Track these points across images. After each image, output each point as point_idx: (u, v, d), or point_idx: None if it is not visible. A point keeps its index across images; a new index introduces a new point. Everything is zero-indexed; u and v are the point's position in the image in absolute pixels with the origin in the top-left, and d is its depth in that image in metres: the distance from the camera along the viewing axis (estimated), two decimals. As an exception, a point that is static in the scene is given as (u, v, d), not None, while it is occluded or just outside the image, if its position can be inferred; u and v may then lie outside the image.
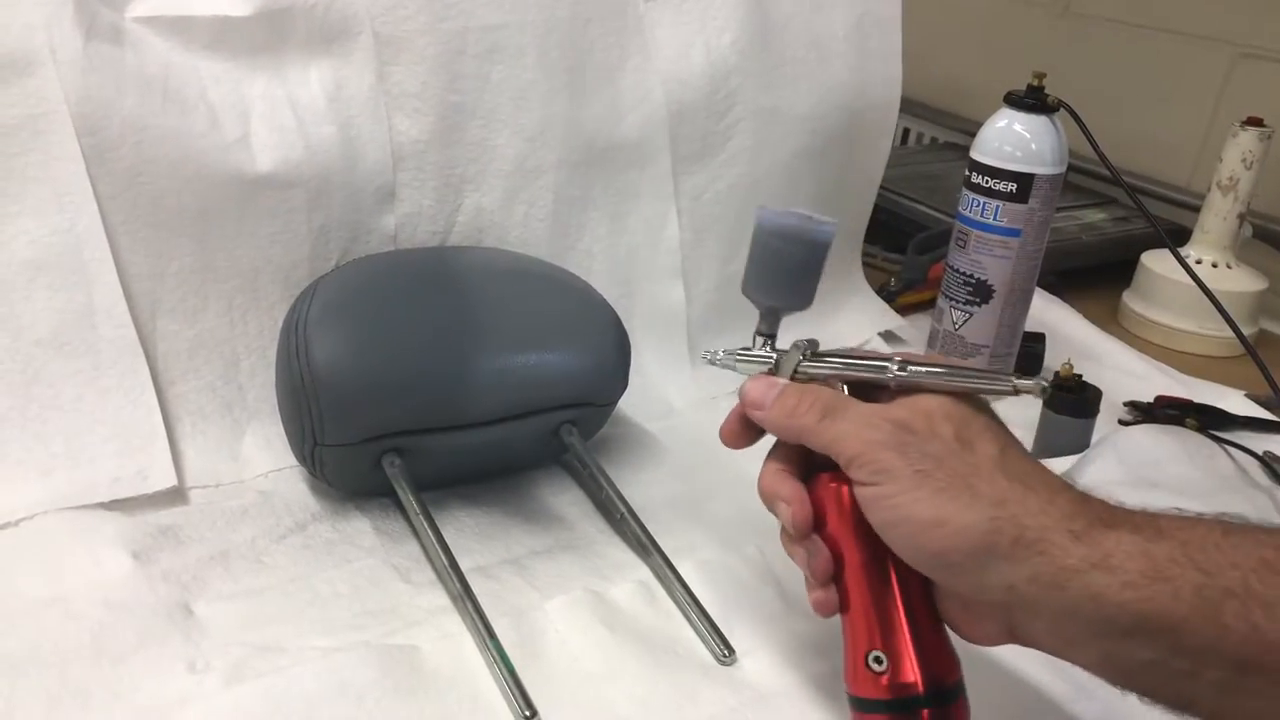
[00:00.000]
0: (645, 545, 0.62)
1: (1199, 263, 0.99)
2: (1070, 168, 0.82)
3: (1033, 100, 0.80)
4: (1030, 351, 0.90)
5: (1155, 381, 0.90)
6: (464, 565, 0.58)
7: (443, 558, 0.58)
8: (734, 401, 0.51)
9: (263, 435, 0.69)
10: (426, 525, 0.60)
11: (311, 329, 0.61)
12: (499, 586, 0.59)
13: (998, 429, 0.44)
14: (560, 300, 0.68)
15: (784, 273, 0.51)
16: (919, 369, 0.45)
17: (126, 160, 0.63)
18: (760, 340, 0.51)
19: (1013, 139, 0.80)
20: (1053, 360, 0.89)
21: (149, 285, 0.65)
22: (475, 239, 0.76)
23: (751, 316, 0.88)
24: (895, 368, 0.45)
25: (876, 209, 0.97)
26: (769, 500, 0.48)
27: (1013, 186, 0.80)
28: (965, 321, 0.85)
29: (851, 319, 0.94)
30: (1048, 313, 0.99)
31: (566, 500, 0.69)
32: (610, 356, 0.67)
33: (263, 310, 0.69)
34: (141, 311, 0.65)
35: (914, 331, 0.95)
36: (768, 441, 0.51)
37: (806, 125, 0.85)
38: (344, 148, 0.69)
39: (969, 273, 0.84)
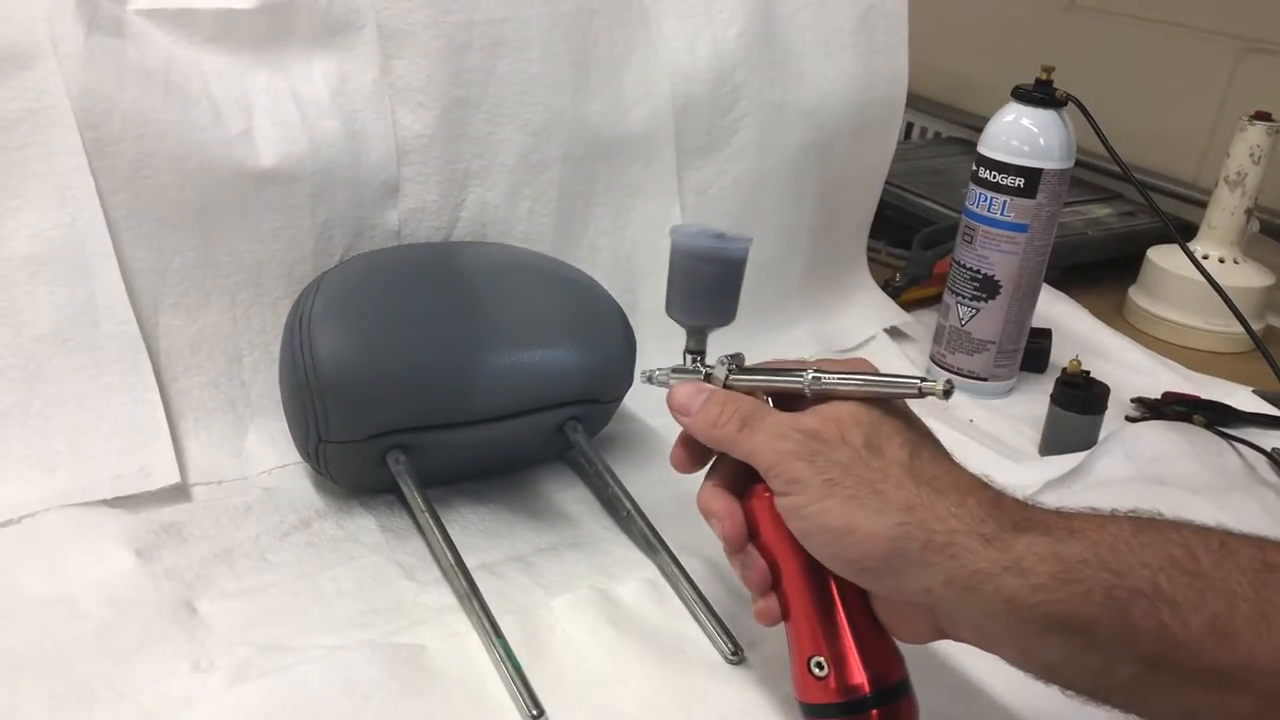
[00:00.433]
0: (652, 543, 0.61)
1: (1205, 258, 0.98)
2: (1075, 162, 0.81)
3: (1041, 94, 0.80)
4: (1036, 347, 0.90)
5: (1162, 378, 0.90)
6: (470, 563, 0.58)
7: (448, 555, 0.58)
8: None
9: (266, 432, 0.68)
10: (432, 522, 0.59)
11: (315, 325, 0.61)
12: (505, 584, 0.59)
13: (909, 432, 0.45)
14: (565, 296, 0.68)
15: (701, 292, 0.52)
16: (830, 377, 0.46)
17: (128, 154, 0.62)
18: (690, 358, 0.53)
19: (1020, 133, 0.80)
20: (1059, 356, 0.89)
21: (151, 280, 0.65)
22: (479, 234, 0.75)
23: (759, 318, 0.89)
24: (809, 377, 0.46)
25: (881, 204, 0.97)
26: (705, 516, 0.49)
27: (1020, 181, 0.80)
28: (972, 317, 0.85)
29: (857, 314, 0.94)
30: (1054, 308, 0.99)
31: (572, 497, 0.68)
32: (615, 352, 0.67)
33: (266, 306, 0.69)
34: (144, 307, 0.65)
35: (920, 327, 0.95)
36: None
37: (812, 119, 0.85)
38: (348, 142, 0.69)
39: (975, 268, 0.83)
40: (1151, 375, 0.91)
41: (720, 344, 0.85)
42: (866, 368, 0.47)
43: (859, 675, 0.45)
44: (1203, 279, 0.88)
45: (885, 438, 0.44)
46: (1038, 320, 0.88)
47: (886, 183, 0.95)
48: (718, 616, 0.56)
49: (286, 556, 0.60)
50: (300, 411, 0.61)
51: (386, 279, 0.66)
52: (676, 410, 0.50)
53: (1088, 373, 0.78)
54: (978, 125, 0.83)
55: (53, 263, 0.62)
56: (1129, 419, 0.83)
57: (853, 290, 0.96)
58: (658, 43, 0.79)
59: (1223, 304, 0.87)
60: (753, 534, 0.48)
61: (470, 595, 0.55)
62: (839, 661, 0.45)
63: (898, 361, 0.90)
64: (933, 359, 0.89)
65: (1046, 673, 0.40)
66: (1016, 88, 0.81)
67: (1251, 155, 0.96)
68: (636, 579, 0.60)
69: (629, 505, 0.64)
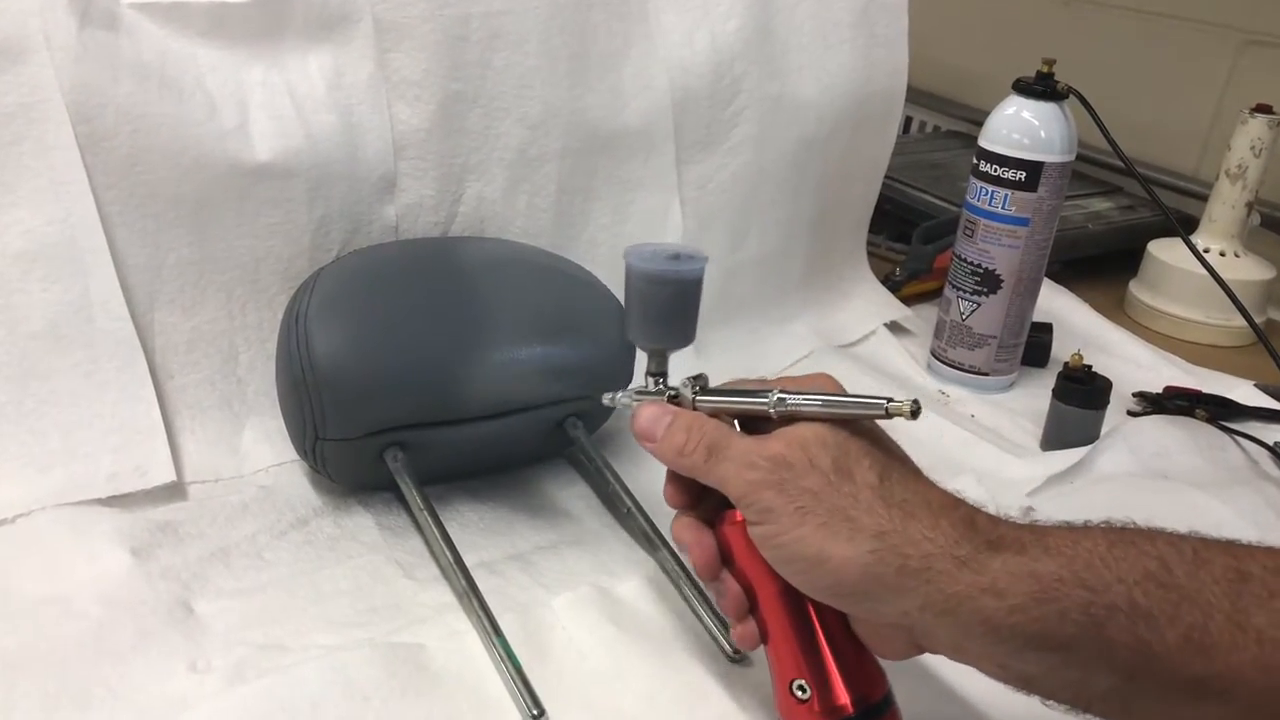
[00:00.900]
0: (653, 540, 0.61)
1: (1207, 251, 0.98)
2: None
3: (1042, 87, 0.79)
4: (1038, 342, 0.89)
5: (1163, 372, 0.90)
6: (469, 561, 0.57)
7: (447, 553, 0.57)
8: None
9: (263, 429, 0.68)
10: (430, 520, 0.59)
11: (312, 321, 0.60)
12: (505, 583, 0.58)
13: (877, 453, 0.44)
14: (564, 291, 0.67)
15: (660, 315, 0.50)
16: (796, 398, 0.45)
17: (122, 149, 0.62)
18: (653, 381, 0.52)
19: (1021, 126, 0.79)
20: (1060, 351, 0.88)
21: (146, 277, 0.64)
22: (477, 229, 0.75)
23: (758, 312, 0.88)
24: (774, 398, 0.45)
25: (880, 198, 0.96)
26: (678, 547, 0.49)
27: (1021, 175, 0.79)
28: (973, 312, 0.84)
29: (857, 309, 0.94)
30: (1054, 303, 0.99)
31: (572, 495, 0.68)
32: (615, 348, 0.66)
33: (262, 302, 0.68)
34: (139, 304, 0.64)
35: (920, 322, 0.95)
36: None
37: (812, 112, 0.84)
38: (344, 137, 0.68)
39: (976, 262, 0.83)
40: (1153, 369, 0.90)
41: (721, 340, 0.85)
42: (831, 386, 0.47)
43: (842, 696, 0.44)
44: (1204, 272, 0.87)
45: (854, 460, 0.43)
46: (1038, 315, 0.87)
47: (886, 177, 0.95)
48: (719, 614, 0.56)
49: (284, 555, 0.59)
50: (297, 409, 0.61)
51: (384, 275, 0.66)
52: (641, 435, 0.49)
53: (1089, 367, 0.77)
54: (976, 119, 0.83)
55: (46, 259, 0.61)
56: (1131, 413, 0.83)
57: (853, 285, 0.95)
58: (656, 36, 0.78)
59: (1223, 298, 0.87)
60: (727, 559, 0.48)
61: (469, 594, 0.55)
62: (821, 684, 0.45)
63: (899, 357, 0.89)
64: (933, 354, 0.89)
65: (1025, 685, 0.40)
66: (1017, 80, 0.80)
67: (1252, 148, 0.96)
68: (637, 577, 0.59)
69: (629, 502, 0.63)
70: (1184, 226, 0.93)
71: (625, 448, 0.72)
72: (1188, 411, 0.80)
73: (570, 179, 0.77)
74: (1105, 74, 0.98)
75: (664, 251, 0.50)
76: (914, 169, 1.19)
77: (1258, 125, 0.96)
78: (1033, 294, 0.84)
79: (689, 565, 0.48)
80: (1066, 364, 0.78)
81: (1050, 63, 0.80)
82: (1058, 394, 0.77)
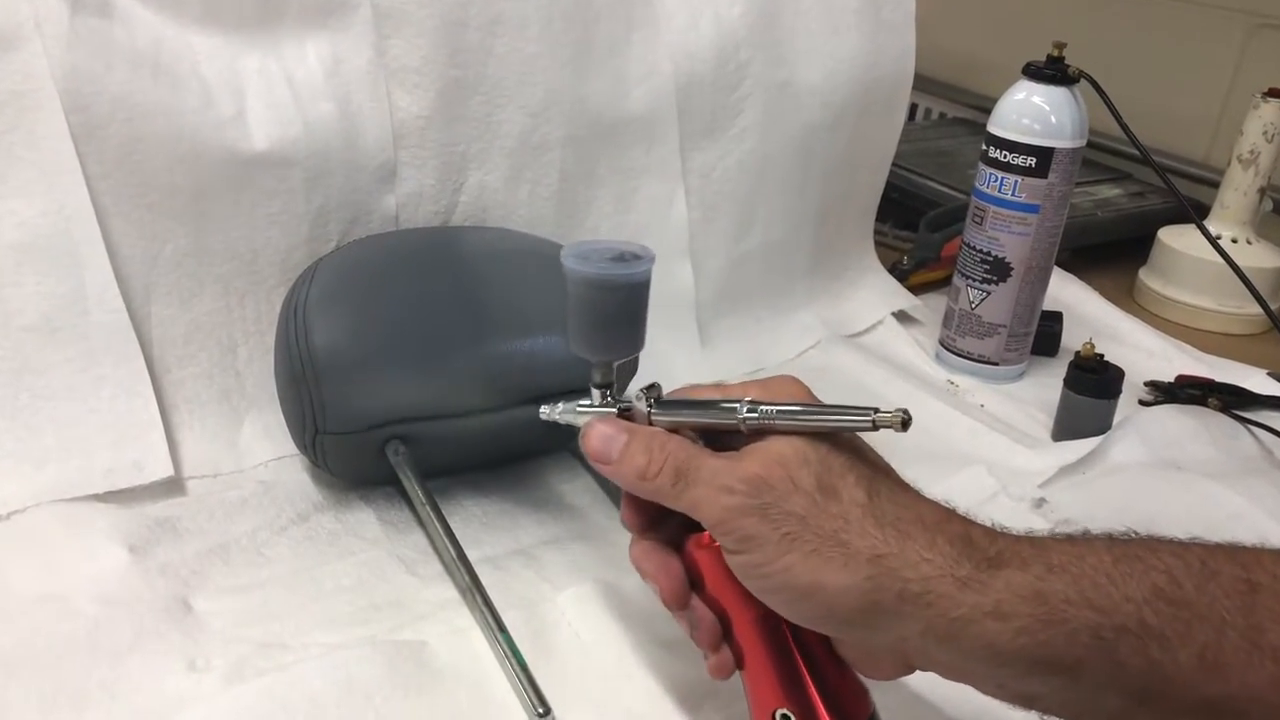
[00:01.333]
0: (659, 534, 0.60)
1: (1219, 238, 0.96)
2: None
3: (1053, 71, 0.78)
4: (1047, 331, 0.88)
5: (1175, 360, 0.89)
6: (472, 556, 0.57)
7: (450, 549, 0.56)
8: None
9: (262, 423, 0.67)
10: (432, 515, 0.58)
11: (311, 313, 0.59)
12: (508, 578, 0.58)
13: (863, 468, 0.41)
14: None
15: (605, 323, 0.45)
16: (769, 409, 0.41)
17: (116, 139, 0.60)
18: (600, 394, 0.47)
19: (1031, 111, 0.78)
20: (1071, 340, 0.87)
21: (142, 269, 0.63)
22: (479, 219, 0.74)
23: (764, 302, 0.87)
24: (745, 410, 0.41)
25: (886, 186, 0.95)
26: (640, 575, 0.45)
27: (1032, 161, 0.78)
28: (982, 300, 0.83)
29: (864, 298, 0.93)
30: (1064, 291, 0.97)
31: (576, 488, 0.67)
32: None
33: (261, 294, 0.67)
34: (135, 296, 0.63)
35: (928, 311, 0.93)
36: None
37: (818, 99, 0.83)
38: (343, 125, 0.67)
39: (986, 250, 0.82)
40: (1164, 358, 0.89)
41: (727, 330, 0.84)
42: (800, 393, 0.44)
43: None
44: (1215, 260, 0.86)
45: (838, 476, 0.40)
46: (1047, 303, 0.86)
47: (892, 164, 0.93)
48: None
49: (284, 551, 0.59)
50: (296, 402, 0.60)
51: (384, 266, 0.65)
52: (595, 458, 0.44)
53: (1101, 356, 0.76)
54: (983, 105, 0.82)
55: (40, 251, 0.60)
56: (1142, 403, 0.82)
57: (860, 274, 0.94)
58: (660, 21, 0.77)
59: (1236, 285, 0.86)
60: (696, 584, 0.44)
61: (473, 590, 0.54)
62: (805, 712, 0.41)
63: (908, 347, 0.88)
64: (942, 343, 0.88)
65: (1026, 704, 0.39)
66: (1028, 64, 0.79)
67: (1265, 133, 0.95)
68: (644, 572, 0.58)
69: (635, 496, 0.62)
70: (1195, 213, 0.92)
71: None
72: (1200, 400, 0.79)
73: (573, 167, 0.76)
74: (1113, 58, 0.97)
75: (606, 251, 0.45)
76: (920, 156, 1.18)
77: (1270, 110, 0.94)
78: (1043, 282, 0.83)
79: (656, 595, 0.44)
80: (1078, 353, 0.77)
81: (1061, 46, 0.78)
82: (1069, 383, 0.76)
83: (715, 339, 0.82)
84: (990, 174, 0.80)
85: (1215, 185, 1.02)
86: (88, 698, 0.47)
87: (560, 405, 0.49)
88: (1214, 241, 0.86)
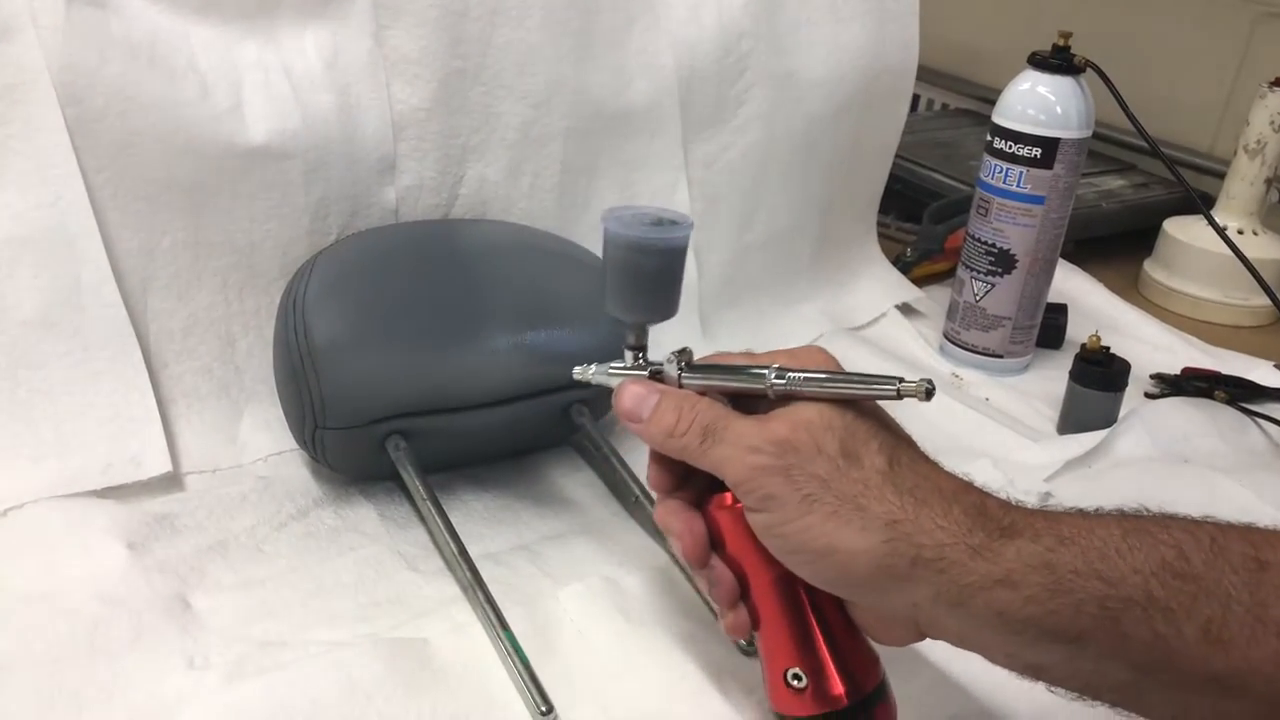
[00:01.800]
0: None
1: (1225, 229, 0.96)
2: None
3: (1059, 61, 0.77)
4: (1052, 323, 0.87)
5: (1181, 353, 0.88)
6: (473, 552, 0.56)
7: (451, 545, 0.56)
8: None
9: (261, 418, 0.66)
10: (434, 510, 0.57)
11: (310, 306, 0.59)
12: (510, 574, 0.57)
13: (885, 436, 0.42)
14: (568, 274, 0.66)
15: (643, 286, 0.47)
16: (797, 376, 0.42)
17: (112, 131, 0.60)
18: (632, 355, 0.48)
19: (1037, 102, 0.77)
20: (1076, 332, 0.87)
21: (139, 262, 0.63)
22: (479, 211, 0.73)
23: (767, 294, 0.86)
24: (773, 376, 0.42)
25: (890, 177, 0.94)
26: (664, 533, 0.47)
27: (1037, 151, 0.77)
28: (987, 293, 0.82)
29: (868, 291, 0.92)
30: (1068, 283, 0.97)
31: (579, 483, 0.66)
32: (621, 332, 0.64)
33: (259, 287, 0.67)
34: (132, 290, 0.63)
35: (932, 304, 0.93)
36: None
37: (821, 90, 0.82)
38: (342, 117, 0.66)
39: (991, 242, 0.81)
40: (1170, 350, 0.89)
41: (729, 322, 0.83)
42: (827, 361, 0.44)
43: (838, 686, 0.43)
44: (1221, 251, 0.86)
45: (861, 443, 0.41)
46: (1052, 295, 0.85)
47: (895, 156, 0.93)
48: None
49: (284, 548, 0.58)
50: (296, 397, 0.59)
51: (383, 259, 0.64)
52: (625, 416, 0.46)
53: (1107, 349, 0.76)
54: (987, 96, 0.81)
55: (35, 244, 0.59)
56: (1148, 396, 0.81)
57: (863, 266, 0.93)
58: (661, 11, 0.76)
59: (1242, 276, 0.85)
60: (717, 544, 0.45)
61: (474, 586, 0.54)
62: (816, 673, 0.43)
63: (911, 340, 0.88)
64: (946, 336, 0.87)
65: (1033, 674, 0.39)
66: (1033, 54, 0.78)
67: (1272, 123, 0.94)
68: (647, 567, 0.58)
69: (638, 491, 0.62)
70: (1201, 204, 0.91)
71: (632, 435, 0.70)
72: (1206, 393, 0.79)
73: (574, 159, 0.75)
74: (1117, 48, 0.96)
75: (645, 216, 0.46)
76: (924, 148, 1.17)
77: (1277, 100, 0.93)
78: (1048, 274, 0.83)
79: (675, 552, 0.46)
80: (1084, 346, 0.76)
81: (1067, 35, 0.78)
82: (1075, 376, 0.76)
83: (717, 331, 0.82)
84: (995, 165, 0.79)
85: (1221, 176, 1.01)
86: (85, 697, 0.47)
87: (594, 366, 0.50)
88: (1221, 232, 0.86)
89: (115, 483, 0.60)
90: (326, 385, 0.58)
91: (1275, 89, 0.94)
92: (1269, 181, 0.97)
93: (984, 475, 0.67)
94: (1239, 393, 0.79)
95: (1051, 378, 0.82)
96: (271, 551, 0.58)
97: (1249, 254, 0.87)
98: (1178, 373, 0.83)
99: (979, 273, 0.82)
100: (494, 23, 0.69)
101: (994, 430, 0.75)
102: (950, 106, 1.40)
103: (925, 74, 1.35)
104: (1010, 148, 0.78)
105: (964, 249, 0.84)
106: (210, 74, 0.63)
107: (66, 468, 0.59)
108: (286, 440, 0.65)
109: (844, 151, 0.87)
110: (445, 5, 0.67)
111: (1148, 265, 1.03)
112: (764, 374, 0.43)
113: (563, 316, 0.62)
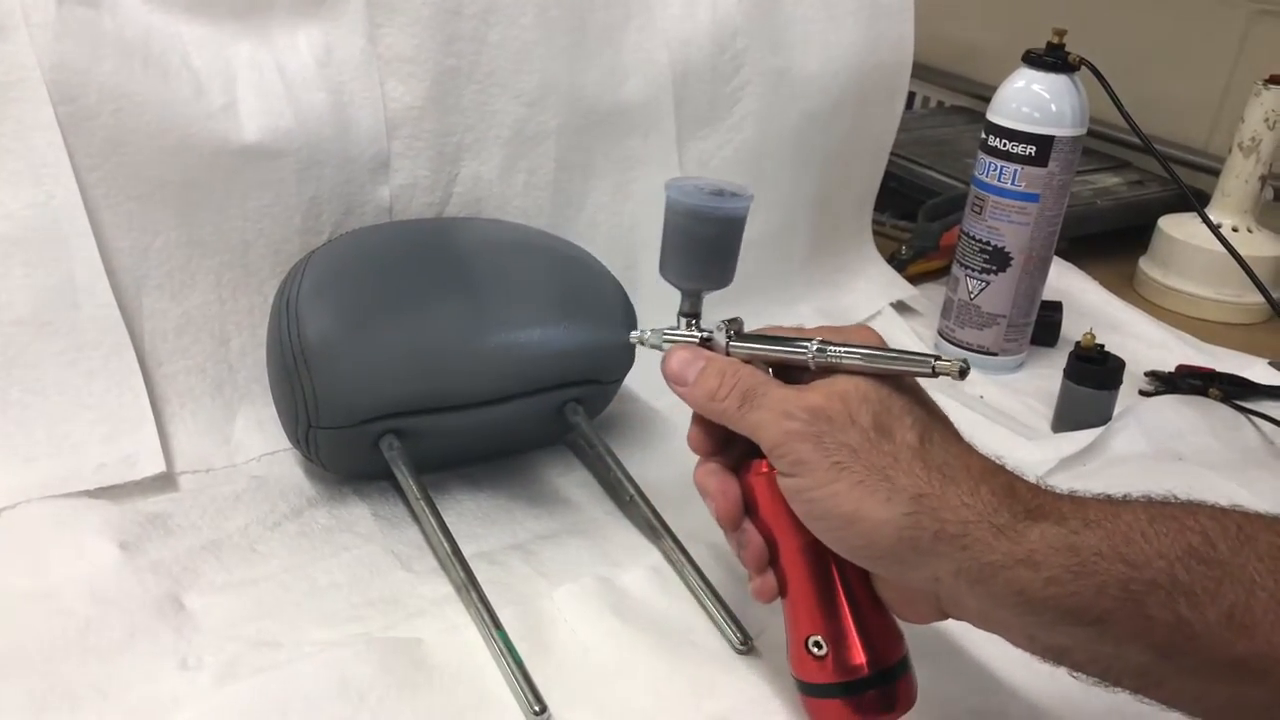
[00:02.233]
0: (656, 528, 0.60)
1: (1219, 227, 0.96)
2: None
3: (1053, 59, 0.77)
4: (1047, 321, 0.87)
5: (1175, 350, 0.88)
6: (467, 551, 0.56)
7: (445, 544, 0.56)
8: None
9: (255, 418, 0.66)
10: (427, 510, 0.57)
11: (303, 305, 0.59)
12: (504, 573, 0.57)
13: (919, 412, 0.43)
14: (563, 273, 0.66)
15: (699, 254, 0.49)
16: (837, 349, 0.44)
17: (105, 130, 0.60)
18: (685, 321, 0.50)
19: (1032, 100, 0.77)
20: (1070, 330, 0.87)
21: (132, 261, 0.62)
22: (474, 210, 0.73)
23: (761, 292, 0.86)
24: (814, 348, 0.44)
25: (885, 175, 0.94)
26: (701, 494, 0.48)
27: (1031, 149, 0.77)
28: (981, 290, 0.82)
29: (863, 289, 0.92)
30: (1062, 281, 0.97)
31: (573, 482, 0.66)
32: (616, 331, 0.64)
33: (253, 286, 0.67)
34: (125, 289, 0.62)
35: (927, 302, 0.93)
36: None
37: (816, 87, 0.82)
38: (335, 115, 0.66)
39: (985, 239, 0.81)
40: (1164, 348, 0.89)
41: (720, 315, 0.83)
42: (872, 338, 0.45)
43: (859, 656, 0.44)
44: (1216, 248, 0.86)
45: (895, 418, 0.42)
46: (1046, 293, 0.85)
47: (890, 153, 0.93)
48: (725, 605, 0.54)
49: (277, 547, 0.58)
50: (289, 396, 0.59)
51: (377, 258, 0.64)
52: (672, 379, 0.48)
53: (1102, 346, 0.76)
54: (982, 93, 0.81)
55: (28, 243, 0.59)
56: (1143, 393, 0.81)
57: (858, 264, 0.93)
58: (656, 8, 0.76)
59: (1236, 274, 0.85)
60: (750, 509, 0.46)
61: (468, 586, 0.53)
62: (838, 642, 0.44)
63: (906, 338, 0.88)
64: (941, 334, 0.87)
65: (1054, 656, 0.40)
66: (1028, 52, 0.78)
67: (1266, 120, 0.94)
68: (641, 566, 0.58)
69: (632, 490, 0.62)
70: (1196, 201, 0.91)
71: (627, 433, 0.71)
72: (1201, 391, 0.79)
73: (569, 157, 0.75)
74: (1111, 46, 0.96)
75: (707, 186, 0.48)
76: (918, 145, 1.17)
77: (1272, 97, 0.93)
78: (1043, 271, 0.83)
79: (710, 513, 0.47)
80: (1078, 344, 0.76)
81: (1061, 33, 0.78)
82: (1070, 374, 0.76)
83: (704, 317, 0.81)
84: (990, 163, 0.79)
85: (1216, 173, 1.01)
86: (78, 697, 0.47)
87: (649, 331, 0.52)
88: (1215, 230, 0.86)
89: (108, 482, 0.59)
90: (320, 384, 0.57)
91: (1270, 86, 0.94)
92: (1263, 179, 0.97)
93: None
94: (1233, 390, 0.79)
95: (1046, 375, 0.82)
96: (265, 551, 0.57)
97: (1243, 251, 0.87)
98: (1172, 370, 0.83)
99: (974, 270, 0.82)
100: (488, 21, 0.69)
101: (988, 428, 0.75)
102: (945, 104, 1.40)
103: (920, 71, 1.34)
104: (1005, 145, 0.78)
105: (959, 247, 0.84)
106: (203, 72, 0.63)
107: (59, 467, 0.59)
108: (280, 440, 0.64)
109: (839, 149, 0.87)
110: (439, 3, 0.67)
111: (1142, 263, 1.03)
112: (807, 346, 0.44)
113: (557, 315, 0.62)
